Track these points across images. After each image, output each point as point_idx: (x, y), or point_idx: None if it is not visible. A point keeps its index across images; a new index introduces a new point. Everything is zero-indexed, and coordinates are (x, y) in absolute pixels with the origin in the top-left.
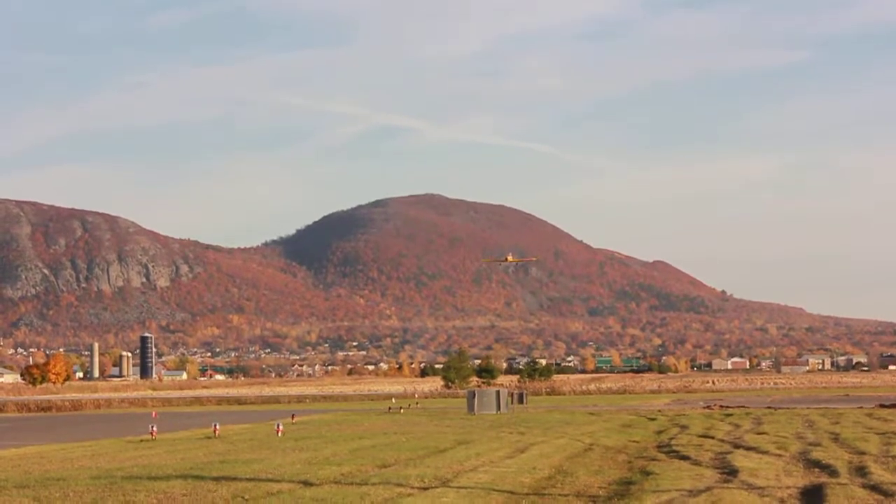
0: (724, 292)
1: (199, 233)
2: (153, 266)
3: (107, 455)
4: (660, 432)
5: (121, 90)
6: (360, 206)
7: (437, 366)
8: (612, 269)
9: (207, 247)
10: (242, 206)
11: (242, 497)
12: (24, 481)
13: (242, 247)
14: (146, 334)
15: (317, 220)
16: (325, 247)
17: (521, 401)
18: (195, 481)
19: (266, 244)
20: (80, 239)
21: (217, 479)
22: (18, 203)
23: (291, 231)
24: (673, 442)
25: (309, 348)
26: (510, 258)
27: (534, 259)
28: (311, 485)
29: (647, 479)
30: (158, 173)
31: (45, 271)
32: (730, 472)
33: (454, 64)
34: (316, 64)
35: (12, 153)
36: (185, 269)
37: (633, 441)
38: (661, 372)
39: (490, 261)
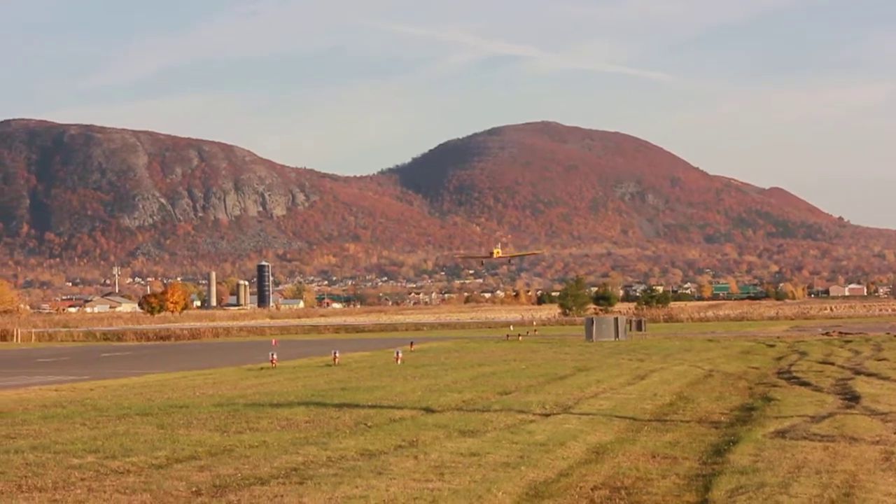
0: (841, 218)
1: (315, 161)
2: (269, 195)
3: (228, 382)
4: (779, 359)
5: (235, 18)
6: (475, 135)
7: (553, 293)
8: (728, 197)
9: (323, 175)
10: (358, 134)
11: (365, 423)
12: (147, 409)
13: (358, 175)
14: (263, 263)
15: (432, 148)
16: (440, 175)
17: (639, 328)
18: (317, 408)
19: (382, 172)
20: (197, 168)
21: (339, 405)
22: (135, 133)
23: (407, 159)
24: (793, 368)
25: (425, 276)
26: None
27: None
28: (433, 411)
29: (768, 405)
30: (274, 102)
31: (162, 200)
32: (851, 399)
33: None
34: None
35: (129, 83)
36: (301, 197)
37: (753, 367)
38: (778, 299)
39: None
